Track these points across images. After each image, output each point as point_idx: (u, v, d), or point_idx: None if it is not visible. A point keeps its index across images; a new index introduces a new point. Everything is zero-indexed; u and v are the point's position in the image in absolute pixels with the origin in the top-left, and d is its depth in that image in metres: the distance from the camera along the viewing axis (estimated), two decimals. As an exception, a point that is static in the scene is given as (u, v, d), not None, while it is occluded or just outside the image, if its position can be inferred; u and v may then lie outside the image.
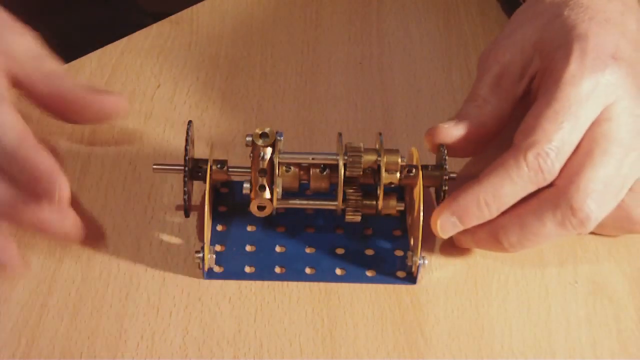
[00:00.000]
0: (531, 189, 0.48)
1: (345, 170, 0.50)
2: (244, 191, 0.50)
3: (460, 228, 0.49)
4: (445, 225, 0.49)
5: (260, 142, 0.49)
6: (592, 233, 0.52)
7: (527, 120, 0.49)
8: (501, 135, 0.52)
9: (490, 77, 0.52)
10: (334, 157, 0.50)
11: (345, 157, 0.50)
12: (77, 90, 0.52)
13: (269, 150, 0.49)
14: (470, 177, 0.50)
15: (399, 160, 0.50)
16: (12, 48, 0.52)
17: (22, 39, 0.53)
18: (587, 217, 0.47)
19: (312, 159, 0.50)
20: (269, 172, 0.49)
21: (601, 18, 0.50)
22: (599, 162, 0.47)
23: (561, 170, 0.48)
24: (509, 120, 0.52)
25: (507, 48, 0.52)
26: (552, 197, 0.48)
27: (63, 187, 0.46)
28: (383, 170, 0.50)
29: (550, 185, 0.48)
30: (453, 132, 0.51)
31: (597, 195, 0.47)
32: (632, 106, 0.49)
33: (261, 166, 0.49)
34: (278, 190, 0.49)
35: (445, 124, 0.51)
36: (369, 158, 0.50)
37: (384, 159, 0.50)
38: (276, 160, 0.49)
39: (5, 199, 0.47)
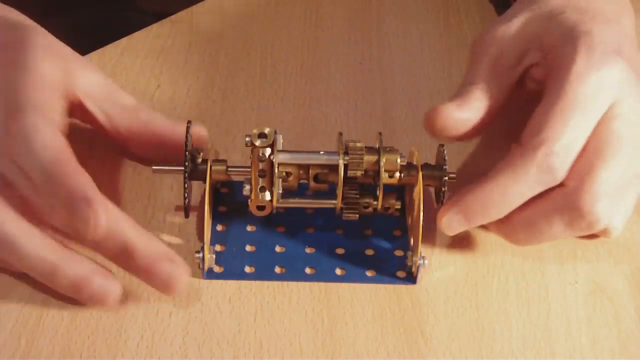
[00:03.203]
0: (539, 189, 0.48)
1: (345, 172, 0.50)
2: (244, 193, 0.50)
3: (466, 226, 0.49)
4: (452, 223, 0.49)
5: (258, 142, 0.49)
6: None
7: (535, 118, 0.48)
8: (504, 126, 0.52)
9: (486, 61, 0.52)
10: (335, 157, 0.50)
11: (346, 158, 0.50)
12: (157, 123, 0.52)
13: (267, 150, 0.49)
14: (473, 174, 0.50)
15: (398, 160, 0.50)
16: (85, 84, 0.51)
17: (92, 74, 0.52)
18: (596, 220, 0.47)
19: (312, 164, 0.50)
20: (268, 173, 0.49)
21: (602, 18, 0.50)
22: (610, 163, 0.47)
23: (571, 169, 0.47)
24: (505, 108, 0.52)
25: (503, 33, 0.52)
26: (562, 198, 0.47)
27: (100, 217, 0.43)
28: (382, 170, 0.50)
29: (560, 184, 0.48)
30: (454, 114, 0.50)
31: (607, 198, 0.47)
32: (637, 104, 0.49)
33: (260, 167, 0.49)
34: (278, 192, 0.49)
35: (445, 105, 0.50)
36: (370, 159, 0.50)
37: (384, 160, 0.50)
38: (275, 161, 0.49)
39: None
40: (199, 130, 0.53)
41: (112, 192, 0.54)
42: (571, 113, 0.47)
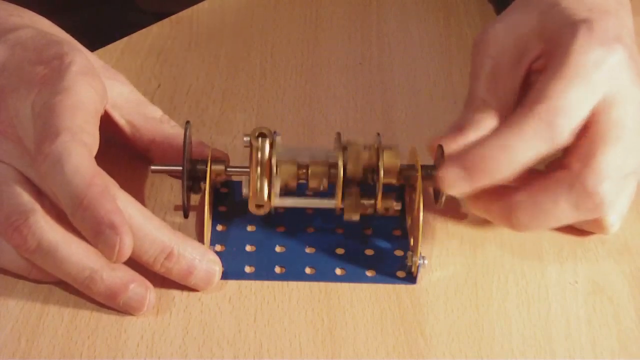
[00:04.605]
0: (541, 148, 0.47)
1: (344, 169, 0.50)
2: (243, 195, 0.50)
3: (468, 184, 0.47)
4: (451, 176, 0.47)
5: (257, 142, 0.49)
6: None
7: (536, 86, 0.48)
8: None
9: (485, 75, 0.52)
10: (334, 155, 0.50)
11: (345, 154, 0.50)
12: (181, 140, 0.51)
13: (266, 149, 0.49)
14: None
15: (398, 158, 0.50)
16: (113, 95, 0.52)
17: (120, 86, 0.54)
18: (601, 201, 0.47)
19: (311, 163, 0.50)
20: (267, 172, 0.49)
21: (600, 9, 0.50)
22: (613, 148, 0.47)
23: (575, 151, 0.47)
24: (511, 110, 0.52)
25: (499, 35, 0.52)
26: (567, 179, 0.47)
27: (125, 244, 0.44)
28: (381, 169, 0.50)
29: (565, 167, 0.48)
30: (457, 143, 0.50)
31: (611, 181, 0.47)
32: (636, 93, 0.49)
33: (259, 166, 0.49)
34: (275, 191, 0.49)
35: (447, 136, 0.50)
36: (369, 155, 0.50)
37: (383, 158, 0.50)
38: (274, 160, 0.49)
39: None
40: (203, 147, 0.54)
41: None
42: (572, 80, 0.47)
